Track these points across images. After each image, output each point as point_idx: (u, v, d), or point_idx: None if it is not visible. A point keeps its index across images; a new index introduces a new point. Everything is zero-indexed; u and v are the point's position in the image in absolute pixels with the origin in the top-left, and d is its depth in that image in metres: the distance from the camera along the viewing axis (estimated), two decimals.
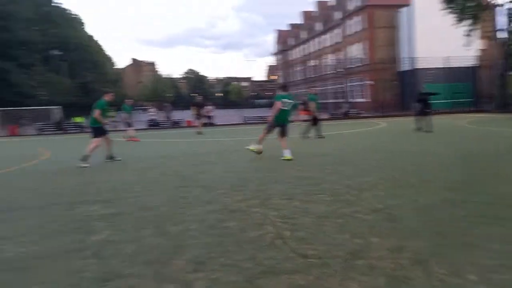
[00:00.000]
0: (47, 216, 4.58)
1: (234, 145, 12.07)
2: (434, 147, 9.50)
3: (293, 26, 65.36)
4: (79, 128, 24.72)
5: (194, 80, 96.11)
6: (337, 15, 45.15)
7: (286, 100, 8.37)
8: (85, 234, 3.83)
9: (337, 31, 45.49)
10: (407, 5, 34.35)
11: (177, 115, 28.82)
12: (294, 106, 8.65)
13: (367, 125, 19.59)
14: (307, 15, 60.21)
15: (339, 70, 44.94)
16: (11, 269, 3.11)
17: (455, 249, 3.13)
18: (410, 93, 31.93)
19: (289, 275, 2.80)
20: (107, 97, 9.26)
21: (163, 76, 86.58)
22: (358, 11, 38.93)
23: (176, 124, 26.25)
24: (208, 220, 4.15)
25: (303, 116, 14.61)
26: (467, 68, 29.44)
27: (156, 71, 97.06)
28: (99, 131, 9.03)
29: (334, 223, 3.89)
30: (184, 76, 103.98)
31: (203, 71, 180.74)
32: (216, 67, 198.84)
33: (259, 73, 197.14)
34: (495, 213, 4.00)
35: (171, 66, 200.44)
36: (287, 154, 8.16)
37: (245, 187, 5.72)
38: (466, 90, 30.56)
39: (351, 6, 41.20)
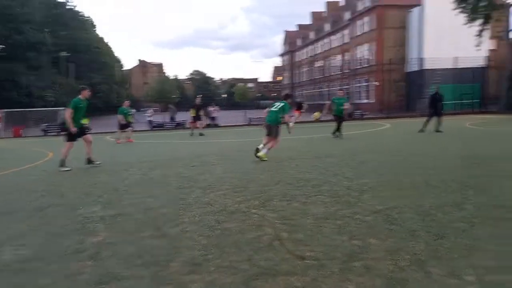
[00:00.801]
0: (46, 218, 4.61)
1: (237, 146, 12.08)
2: (433, 148, 9.42)
3: (302, 26, 65.38)
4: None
5: (200, 81, 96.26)
6: (347, 15, 45.04)
7: (277, 104, 8.91)
8: (84, 236, 3.85)
9: (345, 31, 45.39)
10: (418, 5, 34.11)
11: (182, 116, 28.88)
12: (282, 109, 8.74)
13: (371, 126, 19.49)
14: (316, 15, 60.16)
15: (345, 71, 44.81)
16: (9, 271, 3.14)
17: (453, 250, 3.10)
18: (416, 94, 31.74)
19: (286, 276, 2.79)
20: (83, 95, 8.39)
21: (170, 77, 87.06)
22: (368, 11, 38.78)
23: (180, 125, 26.30)
24: (207, 221, 4.15)
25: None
26: (475, 69, 29.15)
27: (163, 72, 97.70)
28: (71, 133, 8.23)
29: (333, 225, 3.87)
30: (190, 77, 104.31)
31: (209, 72, 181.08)
32: (223, 68, 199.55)
33: (265, 74, 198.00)
34: (493, 214, 3.95)
35: (178, 67, 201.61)
36: (263, 152, 8.50)
37: (246, 188, 5.72)
38: (474, 91, 30.28)
39: (361, 6, 41.06)
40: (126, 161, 9.32)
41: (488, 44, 29.80)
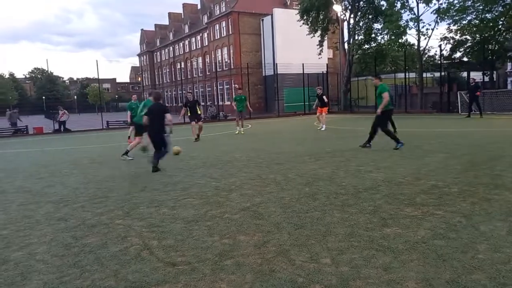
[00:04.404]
0: None
1: (93, 153, 11.05)
2: (294, 146, 10.40)
3: (159, 26, 63.69)
4: None
5: (43, 80, 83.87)
6: (205, 18, 45.82)
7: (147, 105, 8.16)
8: None
9: (204, 34, 46.15)
10: (269, 14, 37.00)
11: (22, 121, 24.65)
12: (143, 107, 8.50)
13: (231, 127, 20.31)
14: (173, 16, 59.38)
15: (207, 73, 45.65)
16: None
17: (311, 237, 3.44)
18: (273, 96, 34.45)
19: (157, 286, 2.65)
20: None
21: (3, 75, 74.18)
22: (224, 16, 40.21)
23: (19, 132, 22.27)
24: (61, 239, 3.66)
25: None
26: (319, 75, 33.22)
27: None
28: None
29: (204, 227, 3.86)
30: (30, 76, 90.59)
31: (55, 71, 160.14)
32: (71, 67, 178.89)
33: (122, 75, 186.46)
34: (342, 201, 4.56)
35: (12, 65, 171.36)
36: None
37: (107, 198, 5.26)
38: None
39: (217, 11, 42.30)
40: None
41: (327, 53, 34.43)
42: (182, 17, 56.05)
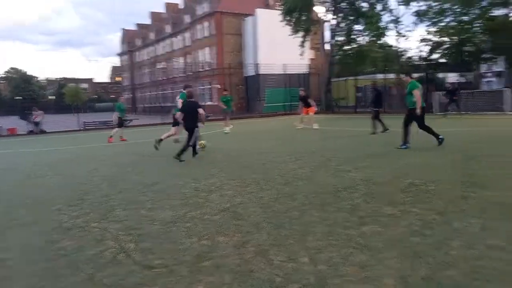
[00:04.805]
0: None
1: (69, 155, 10.79)
2: (275, 146, 10.42)
3: (141, 26, 62.84)
4: None
5: (18, 80, 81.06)
6: (187, 18, 45.45)
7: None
8: None
9: (186, 34, 45.78)
10: (251, 14, 36.98)
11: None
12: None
13: (214, 127, 20.22)
14: (155, 16, 58.68)
15: (189, 73, 45.31)
16: None
17: (289, 237, 3.44)
18: (255, 97, 34.48)
19: None
20: None
21: None
22: (206, 16, 39.97)
23: None
24: (34, 243, 3.56)
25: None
26: (301, 75, 33.41)
27: None
28: None
29: (182, 228, 3.82)
30: (6, 76, 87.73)
31: (31, 70, 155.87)
32: (50, 66, 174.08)
33: (102, 75, 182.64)
34: (321, 200, 4.58)
35: None
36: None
37: (84, 200, 5.15)
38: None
39: (200, 10, 42.01)
40: None
41: (309, 54, 34.67)
42: (165, 16, 55.46)
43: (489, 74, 34.12)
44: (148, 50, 57.83)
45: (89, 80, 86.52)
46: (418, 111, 8.20)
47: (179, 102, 9.28)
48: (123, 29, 66.60)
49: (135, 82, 62.66)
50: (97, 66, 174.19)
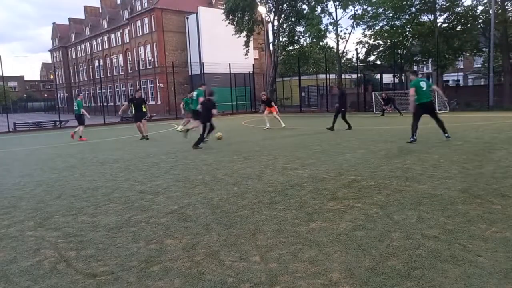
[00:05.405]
0: None
1: None
2: (222, 146, 10.38)
3: (74, 20, 59.17)
4: None
5: None
6: (125, 14, 43.62)
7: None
8: None
9: (125, 30, 43.95)
10: (194, 12, 36.39)
11: None
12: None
13: (158, 128, 19.71)
14: (90, 10, 55.57)
15: (129, 71, 43.57)
16: None
17: (240, 236, 3.44)
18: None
19: None
20: None
21: None
22: (146, 12, 38.67)
23: None
24: None
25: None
26: (246, 75, 33.60)
27: None
28: None
29: (128, 233, 3.66)
30: None
31: None
32: None
33: (32, 72, 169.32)
34: (270, 199, 4.65)
35: None
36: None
37: (16, 207, 4.74)
38: (246, 94, 34.93)
39: (138, 6, 40.52)
40: None
41: (253, 54, 34.98)
42: (100, 11, 52.74)
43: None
44: (83, 46, 54.73)
45: (18, 78, 79.68)
46: (410, 108, 9.15)
47: (200, 99, 10.58)
48: (54, 23, 62.31)
49: (71, 80, 58.98)
50: (27, 63, 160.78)
